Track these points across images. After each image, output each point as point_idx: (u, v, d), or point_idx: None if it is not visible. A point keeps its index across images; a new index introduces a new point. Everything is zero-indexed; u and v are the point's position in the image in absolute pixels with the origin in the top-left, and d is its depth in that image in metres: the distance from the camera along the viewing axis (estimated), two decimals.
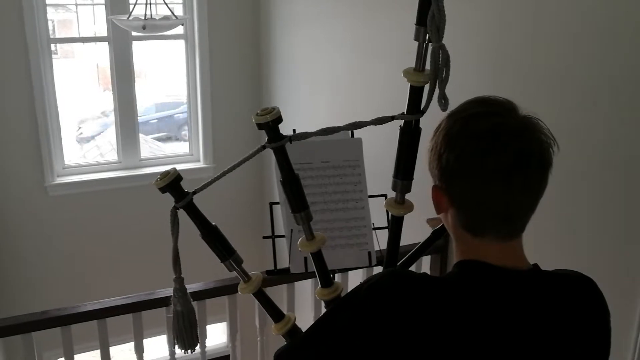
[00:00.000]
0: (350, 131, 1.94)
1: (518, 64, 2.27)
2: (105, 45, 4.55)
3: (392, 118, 1.25)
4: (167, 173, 1.19)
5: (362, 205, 1.92)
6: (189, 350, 1.32)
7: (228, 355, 5.77)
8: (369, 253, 1.91)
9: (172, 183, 1.19)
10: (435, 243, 1.54)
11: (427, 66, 1.23)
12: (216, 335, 4.95)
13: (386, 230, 1.97)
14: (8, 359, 3.98)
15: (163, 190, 1.19)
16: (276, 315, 1.31)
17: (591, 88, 1.96)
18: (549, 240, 2.06)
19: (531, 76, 2.20)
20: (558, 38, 2.07)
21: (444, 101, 1.17)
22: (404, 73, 1.23)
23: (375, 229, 1.91)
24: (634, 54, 1.80)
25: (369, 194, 1.91)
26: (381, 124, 1.23)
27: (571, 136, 1.95)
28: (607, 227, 1.95)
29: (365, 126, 1.24)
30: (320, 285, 1.32)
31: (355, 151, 1.92)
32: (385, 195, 2.03)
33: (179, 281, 1.28)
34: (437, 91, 1.20)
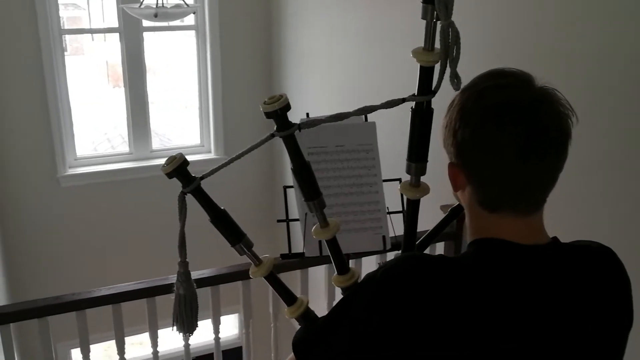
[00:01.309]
0: (364, 115, 1.94)
1: (524, 43, 2.25)
2: (114, 42, 4.56)
3: (403, 100, 1.22)
4: (173, 158, 1.17)
5: (376, 189, 1.92)
6: (187, 334, 1.30)
7: (239, 347, 5.80)
8: (384, 237, 1.90)
9: (178, 168, 1.17)
10: (448, 230, 1.53)
11: (437, 46, 1.21)
12: (227, 327, 4.97)
13: (401, 215, 1.97)
14: (22, 347, 4.01)
15: (170, 175, 1.18)
16: (289, 298, 1.30)
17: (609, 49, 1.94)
18: (567, 214, 2.04)
19: (539, 55, 2.18)
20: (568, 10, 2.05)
21: (456, 80, 1.15)
22: (413, 53, 1.20)
23: (389, 213, 1.90)
24: None
25: (383, 178, 1.91)
26: (392, 107, 1.21)
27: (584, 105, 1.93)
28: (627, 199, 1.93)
29: (376, 110, 1.21)
30: (336, 272, 1.30)
31: (369, 135, 1.91)
32: (399, 180, 2.02)
33: (184, 265, 1.27)
34: (448, 70, 1.18)
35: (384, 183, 1.91)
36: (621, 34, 1.86)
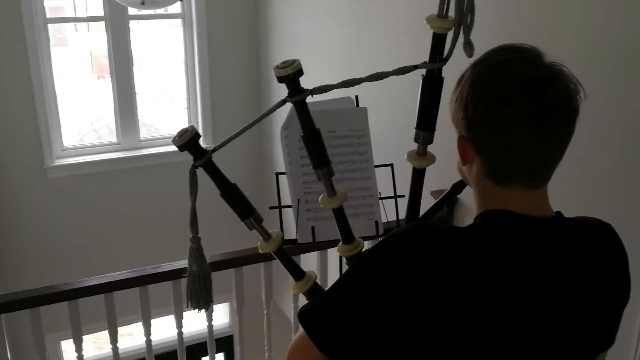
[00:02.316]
0: (355, 101, 1.94)
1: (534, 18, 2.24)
2: (98, 32, 4.51)
3: (415, 67, 1.22)
4: (185, 131, 1.16)
5: (368, 175, 1.92)
6: (202, 310, 1.30)
7: (229, 336, 5.79)
8: (376, 222, 1.91)
9: (190, 141, 1.17)
10: (439, 214, 1.54)
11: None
12: (217, 316, 4.97)
13: (392, 200, 1.98)
14: (12, 337, 3.99)
15: (181, 148, 1.17)
16: (297, 273, 1.30)
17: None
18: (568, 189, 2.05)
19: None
20: None
21: (469, 47, 1.16)
22: (427, 20, 1.20)
23: (382, 198, 1.91)
24: None
25: (375, 164, 1.91)
26: (404, 73, 1.21)
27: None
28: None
29: (388, 76, 1.21)
30: (341, 242, 1.30)
31: (361, 121, 1.92)
32: (391, 165, 2.03)
33: (196, 240, 1.27)
34: (461, 38, 1.18)
35: (376, 169, 1.92)
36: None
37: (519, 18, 2.29)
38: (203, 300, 1.29)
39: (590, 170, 2.03)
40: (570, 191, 2.02)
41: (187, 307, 1.31)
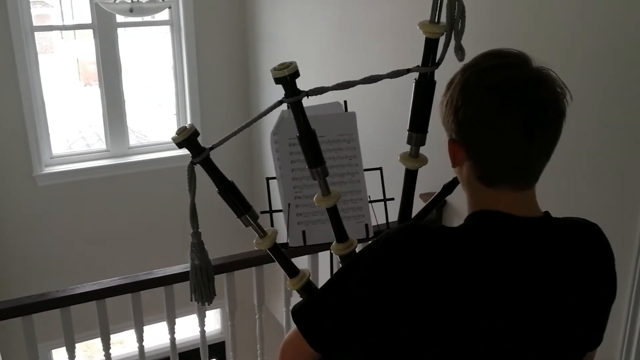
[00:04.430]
0: (344, 105, 1.97)
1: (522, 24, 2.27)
2: (85, 40, 4.50)
3: (408, 71, 1.26)
4: (184, 129, 1.19)
5: (357, 178, 1.95)
6: (206, 303, 1.34)
7: (221, 342, 5.78)
8: (366, 225, 1.94)
9: (189, 138, 1.19)
10: (429, 217, 1.57)
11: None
12: (208, 323, 4.97)
13: (381, 203, 2.01)
14: (4, 346, 3.98)
15: (180, 145, 1.20)
16: (291, 270, 1.33)
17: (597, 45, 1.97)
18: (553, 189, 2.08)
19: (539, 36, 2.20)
20: None
21: (460, 52, 1.19)
22: (420, 25, 1.24)
23: (371, 201, 1.94)
24: None
25: (364, 168, 1.94)
26: (397, 77, 1.24)
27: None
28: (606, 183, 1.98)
29: (382, 79, 1.24)
30: (335, 241, 1.33)
31: (350, 125, 1.94)
32: (380, 169, 2.06)
33: (197, 235, 1.29)
34: (452, 43, 1.21)
35: (365, 172, 1.94)
36: (621, 22, 1.89)
37: (506, 23, 2.33)
38: (207, 293, 1.32)
39: (570, 170, 2.06)
40: (550, 191, 2.06)
41: (192, 300, 1.35)
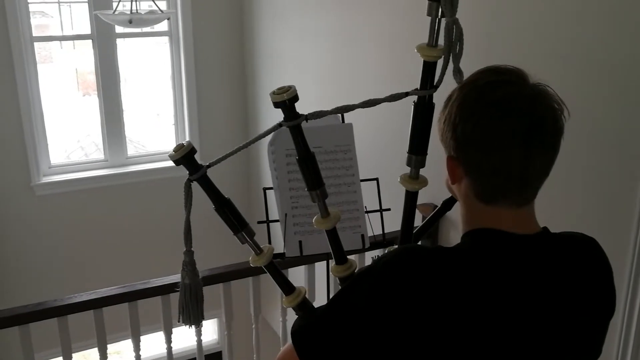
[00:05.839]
0: (341, 117, 1.98)
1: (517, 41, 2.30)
2: (84, 49, 4.53)
3: (406, 94, 1.26)
4: (181, 146, 1.20)
5: (354, 189, 1.96)
6: (194, 326, 1.32)
7: (218, 352, 5.76)
8: (362, 236, 1.94)
9: (186, 155, 1.20)
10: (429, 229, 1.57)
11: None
12: (205, 333, 4.96)
13: (378, 214, 2.02)
14: (1, 356, 3.96)
15: (177, 162, 1.20)
16: (287, 287, 1.31)
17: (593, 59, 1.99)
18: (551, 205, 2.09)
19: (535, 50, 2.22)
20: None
21: (459, 74, 1.19)
22: (418, 48, 1.24)
23: (368, 212, 1.95)
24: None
25: (360, 178, 1.95)
26: (395, 100, 1.24)
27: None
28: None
29: (380, 103, 1.24)
30: (334, 263, 1.31)
31: (347, 136, 1.96)
32: (376, 179, 2.07)
33: (189, 254, 1.28)
34: (450, 65, 1.21)
35: (362, 183, 1.96)
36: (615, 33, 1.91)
37: (502, 41, 2.35)
38: (194, 315, 1.31)
39: (566, 184, 2.07)
40: (545, 205, 2.07)
41: (179, 321, 1.32)
